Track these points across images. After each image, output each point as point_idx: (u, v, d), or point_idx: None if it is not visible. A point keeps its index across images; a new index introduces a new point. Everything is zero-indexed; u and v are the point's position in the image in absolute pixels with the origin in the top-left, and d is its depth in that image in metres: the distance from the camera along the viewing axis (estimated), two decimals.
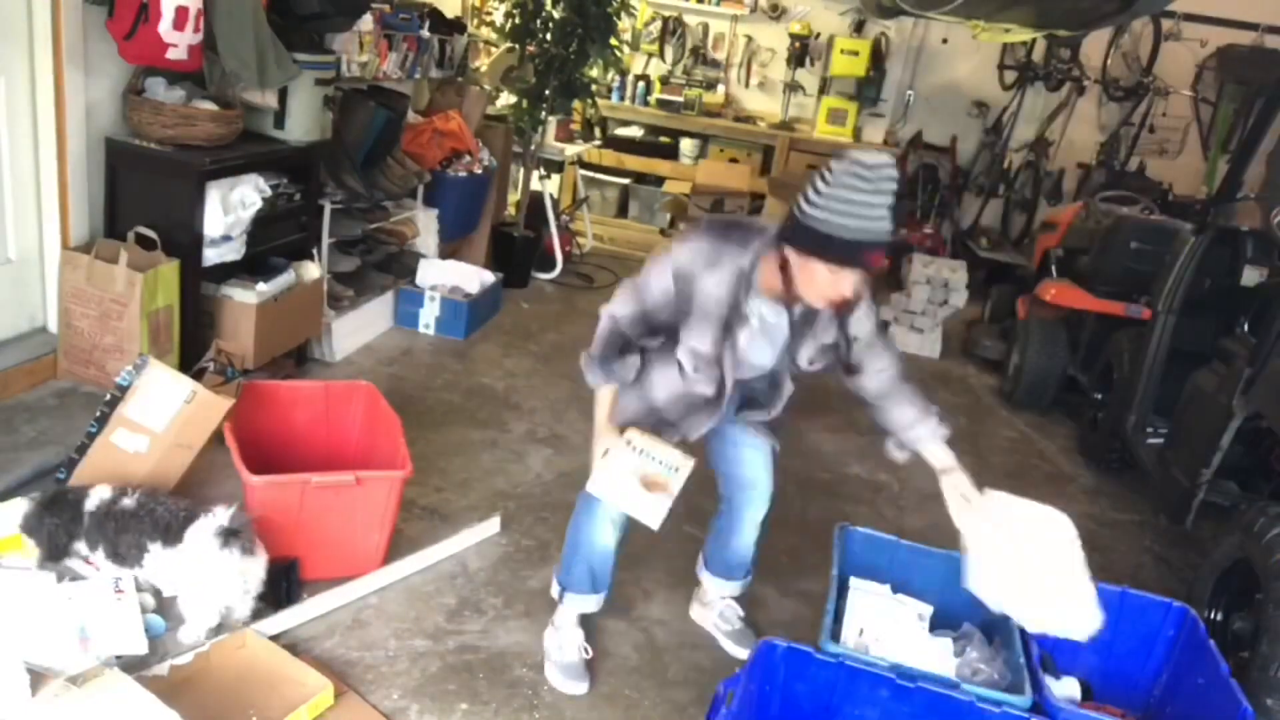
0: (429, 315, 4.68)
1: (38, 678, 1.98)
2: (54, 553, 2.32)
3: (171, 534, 2.28)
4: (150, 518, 2.30)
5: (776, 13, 7.73)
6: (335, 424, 3.05)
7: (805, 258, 1.98)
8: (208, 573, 2.30)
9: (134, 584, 2.32)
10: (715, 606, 2.76)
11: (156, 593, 2.39)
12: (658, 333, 2.28)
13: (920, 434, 2.33)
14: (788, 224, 2.01)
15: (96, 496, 2.34)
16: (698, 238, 2.15)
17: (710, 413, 2.35)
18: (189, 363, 3.25)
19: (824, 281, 2.00)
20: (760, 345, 2.23)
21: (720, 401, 2.31)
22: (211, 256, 3.27)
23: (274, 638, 2.41)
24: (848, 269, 1.96)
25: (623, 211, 7.83)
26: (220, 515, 2.33)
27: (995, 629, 2.41)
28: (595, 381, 2.30)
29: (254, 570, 2.39)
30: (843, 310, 2.15)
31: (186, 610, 2.32)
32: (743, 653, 2.66)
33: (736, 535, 2.63)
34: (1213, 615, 2.82)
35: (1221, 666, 2.21)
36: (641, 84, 7.83)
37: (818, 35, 7.62)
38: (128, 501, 2.33)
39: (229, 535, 2.32)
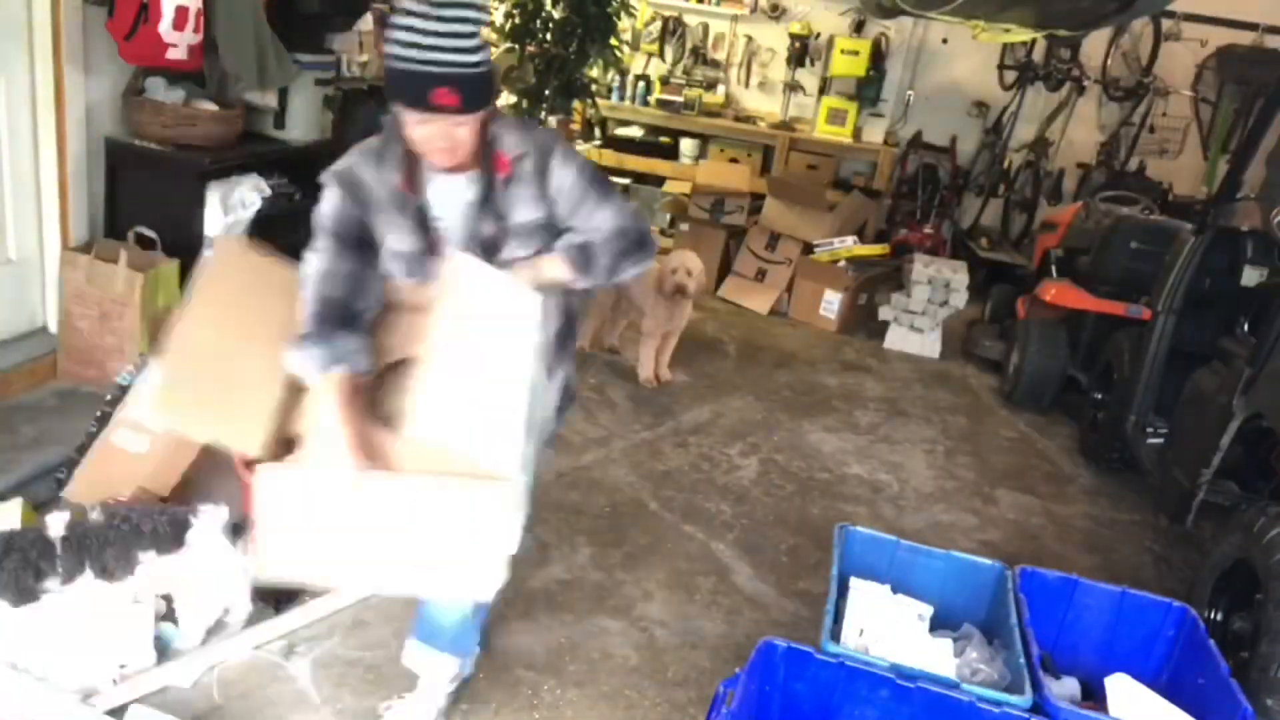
0: None
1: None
2: (22, 595, 2.14)
3: (165, 541, 2.26)
4: (130, 528, 2.24)
5: (776, 13, 7.73)
6: None
7: (397, 110, 1.78)
8: (215, 571, 2.30)
9: (154, 596, 2.29)
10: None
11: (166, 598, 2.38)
12: (366, 263, 1.88)
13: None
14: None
15: (58, 522, 2.21)
16: (353, 151, 1.91)
17: None
18: None
19: (420, 135, 1.77)
20: (454, 228, 1.90)
21: None
22: None
23: (274, 639, 2.41)
24: (417, 111, 1.74)
25: None
26: (214, 512, 2.33)
27: (995, 629, 2.42)
28: (316, 362, 1.77)
29: (251, 565, 2.40)
30: (462, 164, 1.84)
31: (184, 611, 2.31)
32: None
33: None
34: (1213, 615, 2.82)
35: (1221, 666, 2.21)
36: (641, 84, 7.83)
37: (818, 35, 7.62)
38: (94, 515, 2.25)
39: (237, 530, 2.33)
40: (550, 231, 1.95)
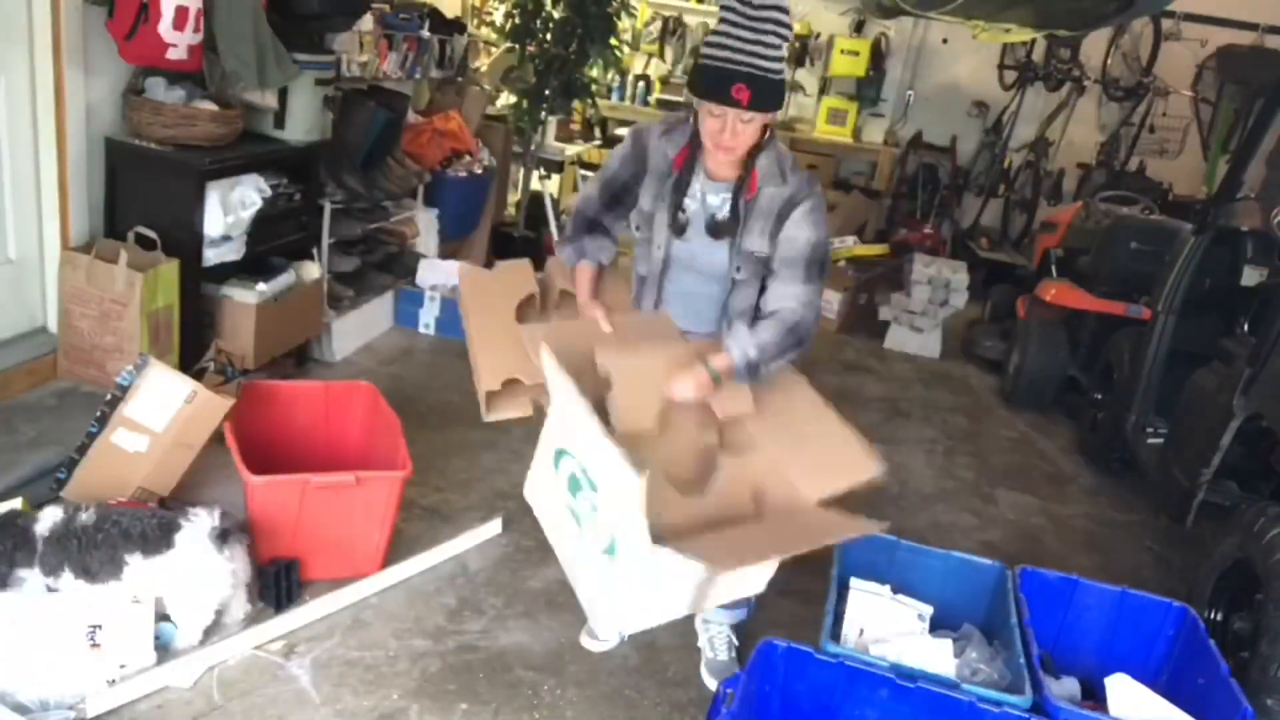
0: (429, 315, 4.68)
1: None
2: None
3: (152, 543, 2.24)
4: (119, 530, 2.23)
5: None
6: (335, 424, 3.05)
7: (696, 102, 2.09)
8: (201, 575, 2.29)
9: (154, 596, 2.28)
10: (710, 630, 2.64)
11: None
12: (619, 204, 2.29)
13: (731, 339, 2.10)
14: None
15: (48, 519, 2.23)
16: (658, 121, 2.29)
17: (650, 290, 2.33)
18: (189, 363, 3.25)
19: (711, 128, 2.06)
20: (699, 230, 2.20)
21: (656, 279, 2.29)
22: (211, 256, 3.26)
23: (274, 639, 2.41)
24: (713, 102, 2.02)
25: None
26: (205, 517, 2.33)
27: (995, 629, 2.42)
28: (569, 260, 2.31)
29: (244, 568, 2.40)
30: (739, 161, 2.12)
31: (178, 614, 2.31)
32: (712, 684, 2.52)
33: None
34: (1213, 615, 2.82)
35: (1221, 666, 2.21)
36: (641, 84, 7.83)
37: (818, 35, 7.62)
38: (85, 516, 2.24)
39: (224, 535, 2.33)
40: (766, 268, 2.18)
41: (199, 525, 2.31)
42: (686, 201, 2.20)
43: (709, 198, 2.20)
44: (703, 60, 2.03)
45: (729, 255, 2.20)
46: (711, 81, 2.01)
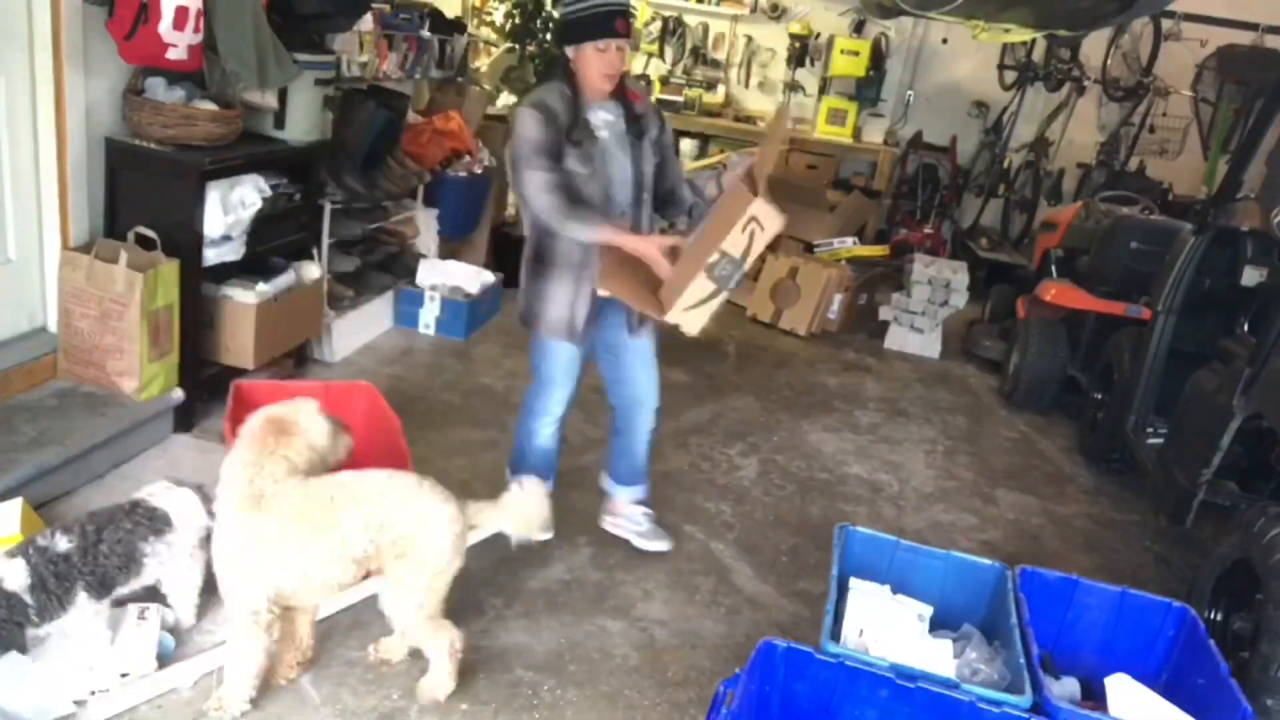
0: (429, 315, 4.68)
1: None
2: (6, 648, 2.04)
3: (157, 525, 2.24)
4: (123, 531, 2.16)
5: (776, 13, 7.73)
6: None
7: (578, 48, 2.58)
8: (199, 540, 2.30)
9: (158, 609, 2.30)
10: (624, 512, 3.11)
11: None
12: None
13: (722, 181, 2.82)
14: (556, 30, 2.93)
15: (16, 571, 2.02)
16: (536, 90, 2.73)
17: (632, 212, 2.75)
18: (189, 363, 3.25)
19: (599, 63, 2.56)
20: (615, 152, 2.66)
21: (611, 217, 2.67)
22: (211, 256, 3.26)
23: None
24: (611, 39, 2.54)
25: None
26: (169, 488, 2.34)
27: (995, 629, 2.42)
28: (591, 234, 2.59)
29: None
30: (619, 89, 2.64)
31: (174, 594, 2.31)
32: (657, 546, 3.08)
33: (634, 446, 3.03)
34: (1213, 615, 2.82)
35: (1221, 666, 2.21)
36: (641, 84, 7.83)
37: (818, 35, 7.62)
38: (63, 544, 2.08)
39: (206, 495, 2.33)
40: (661, 152, 2.79)
41: (180, 496, 2.31)
42: (599, 130, 2.63)
43: (605, 115, 2.65)
44: (587, 8, 2.50)
45: (647, 150, 2.71)
46: (602, 21, 2.51)
